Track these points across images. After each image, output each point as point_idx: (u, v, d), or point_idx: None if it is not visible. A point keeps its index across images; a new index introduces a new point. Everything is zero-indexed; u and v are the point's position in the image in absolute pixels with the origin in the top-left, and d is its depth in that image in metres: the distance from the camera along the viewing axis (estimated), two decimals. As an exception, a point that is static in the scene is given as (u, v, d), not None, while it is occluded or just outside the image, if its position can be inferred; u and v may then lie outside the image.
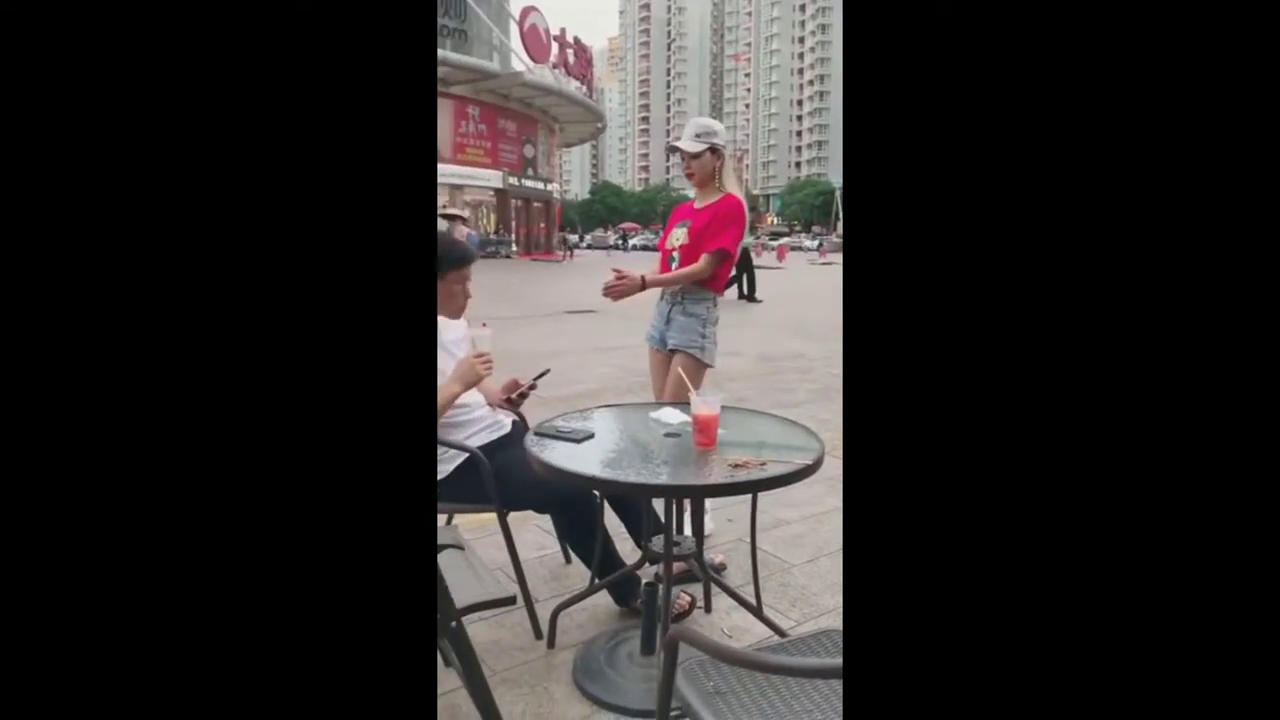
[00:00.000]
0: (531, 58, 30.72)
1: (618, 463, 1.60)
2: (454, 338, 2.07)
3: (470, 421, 2.04)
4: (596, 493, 1.97)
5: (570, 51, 34.40)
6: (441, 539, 1.34)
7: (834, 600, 2.20)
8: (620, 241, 45.85)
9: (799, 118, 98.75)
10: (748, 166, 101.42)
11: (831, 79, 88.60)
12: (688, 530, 2.07)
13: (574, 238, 38.28)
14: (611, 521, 2.09)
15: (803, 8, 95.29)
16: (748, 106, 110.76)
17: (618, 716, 1.65)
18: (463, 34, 28.09)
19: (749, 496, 2.01)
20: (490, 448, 2.01)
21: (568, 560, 2.37)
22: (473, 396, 2.05)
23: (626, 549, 2.13)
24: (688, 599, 2.08)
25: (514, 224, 31.86)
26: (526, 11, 31.07)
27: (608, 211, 69.02)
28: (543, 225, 35.47)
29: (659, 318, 2.53)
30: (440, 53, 25.35)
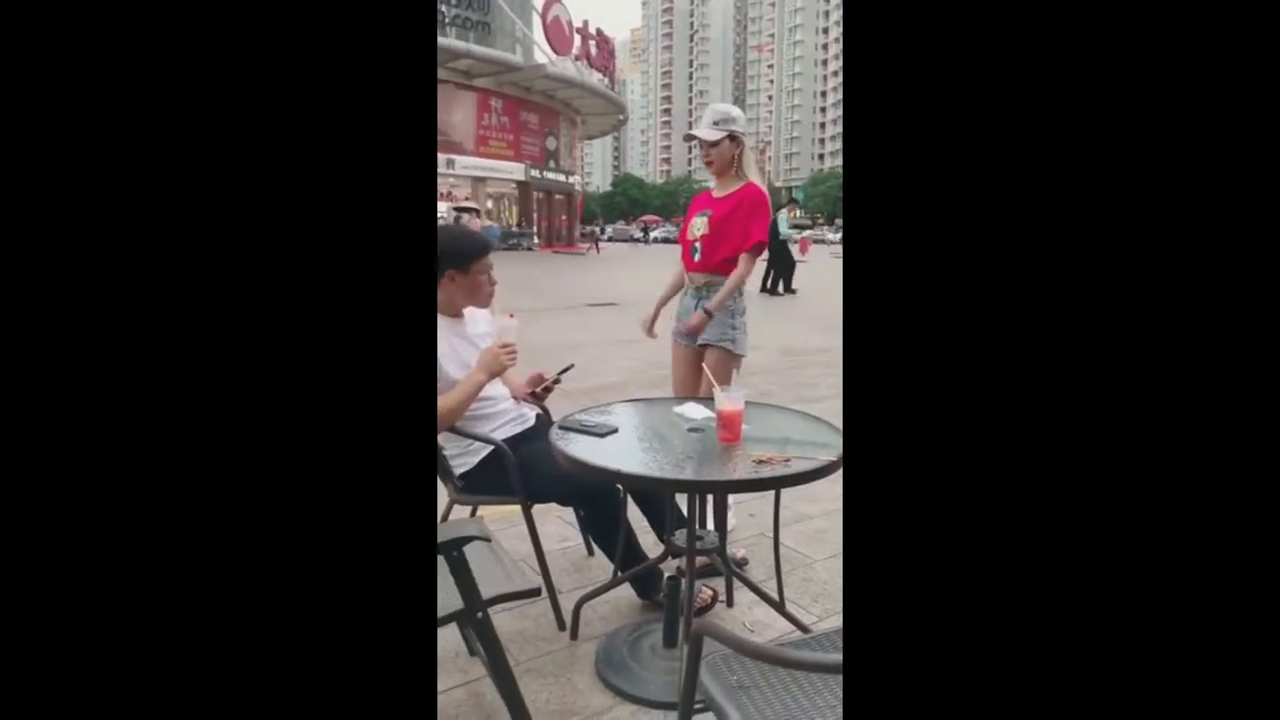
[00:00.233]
0: (554, 50, 30.72)
1: (641, 457, 1.61)
2: (481, 331, 2.09)
3: (495, 414, 2.06)
4: (620, 487, 1.98)
5: (593, 43, 34.36)
6: (468, 531, 1.35)
7: (856, 596, 2.20)
8: (642, 234, 45.74)
9: (822, 109, 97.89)
10: (770, 159, 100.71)
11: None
12: (710, 525, 2.07)
13: (596, 229, 38.25)
14: (634, 514, 2.10)
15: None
16: (770, 98, 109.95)
17: (640, 708, 1.67)
18: (486, 26, 28.13)
19: (771, 492, 2.02)
20: (515, 440, 2.03)
21: (590, 552, 2.39)
22: (498, 389, 2.07)
23: (649, 541, 2.15)
24: (710, 593, 2.09)
25: (535, 216, 31.94)
26: (549, 4, 31.05)
27: (629, 204, 68.90)
28: (564, 218, 35.53)
29: (684, 314, 2.52)
30: (463, 45, 25.44)
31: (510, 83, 28.75)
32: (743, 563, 2.34)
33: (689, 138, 2.48)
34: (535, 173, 31.20)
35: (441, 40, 24.92)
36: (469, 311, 2.09)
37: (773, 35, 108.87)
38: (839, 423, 1.77)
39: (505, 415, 2.09)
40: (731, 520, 2.59)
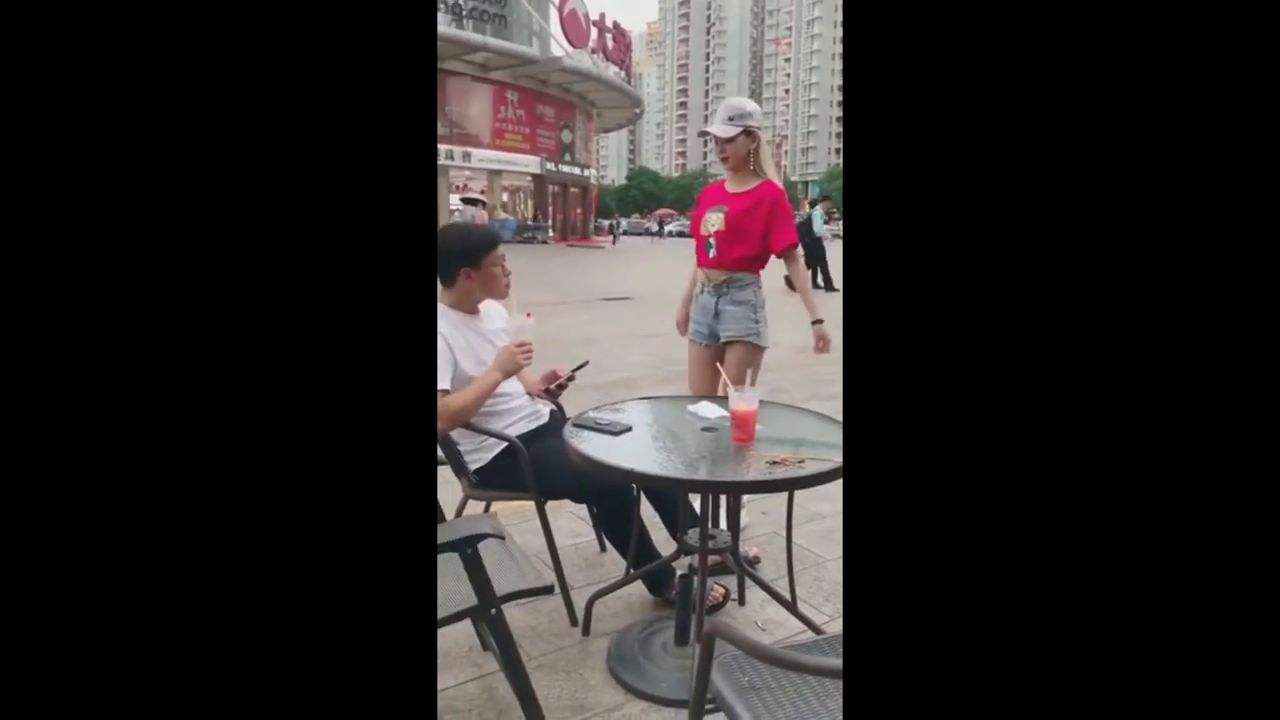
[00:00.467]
0: (570, 43, 30.65)
1: (655, 456, 1.61)
2: (496, 327, 2.10)
3: (509, 411, 2.08)
4: (633, 485, 1.99)
5: (609, 36, 34.24)
6: (482, 529, 1.36)
7: (868, 596, 2.20)
8: (657, 228, 45.57)
9: (840, 104, 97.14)
10: (786, 153, 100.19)
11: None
12: (723, 524, 2.08)
13: (615, 223, 38.16)
14: (647, 510, 2.11)
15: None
16: (787, 92, 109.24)
17: (651, 705, 1.68)
18: (502, 19, 28.10)
19: (785, 491, 2.02)
20: (528, 437, 2.04)
21: (603, 548, 2.40)
22: (512, 386, 2.08)
23: (661, 538, 2.15)
24: (722, 591, 2.09)
25: (551, 210, 31.95)
26: (566, -4, 31.01)
27: (644, 197, 68.76)
28: (579, 211, 35.50)
29: (702, 312, 2.50)
30: (480, 38, 25.42)
31: (526, 76, 28.73)
32: (755, 561, 2.34)
33: (704, 134, 2.48)
34: (551, 166, 31.18)
35: (458, 33, 24.95)
36: (484, 307, 2.10)
37: (790, 29, 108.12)
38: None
39: (520, 412, 2.10)
40: (746, 518, 2.59)
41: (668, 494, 2.11)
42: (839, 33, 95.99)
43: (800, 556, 2.38)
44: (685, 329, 2.64)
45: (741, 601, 2.14)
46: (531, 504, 1.98)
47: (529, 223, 28.56)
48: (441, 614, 1.35)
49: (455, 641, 1.87)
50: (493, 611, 1.39)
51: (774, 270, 2.59)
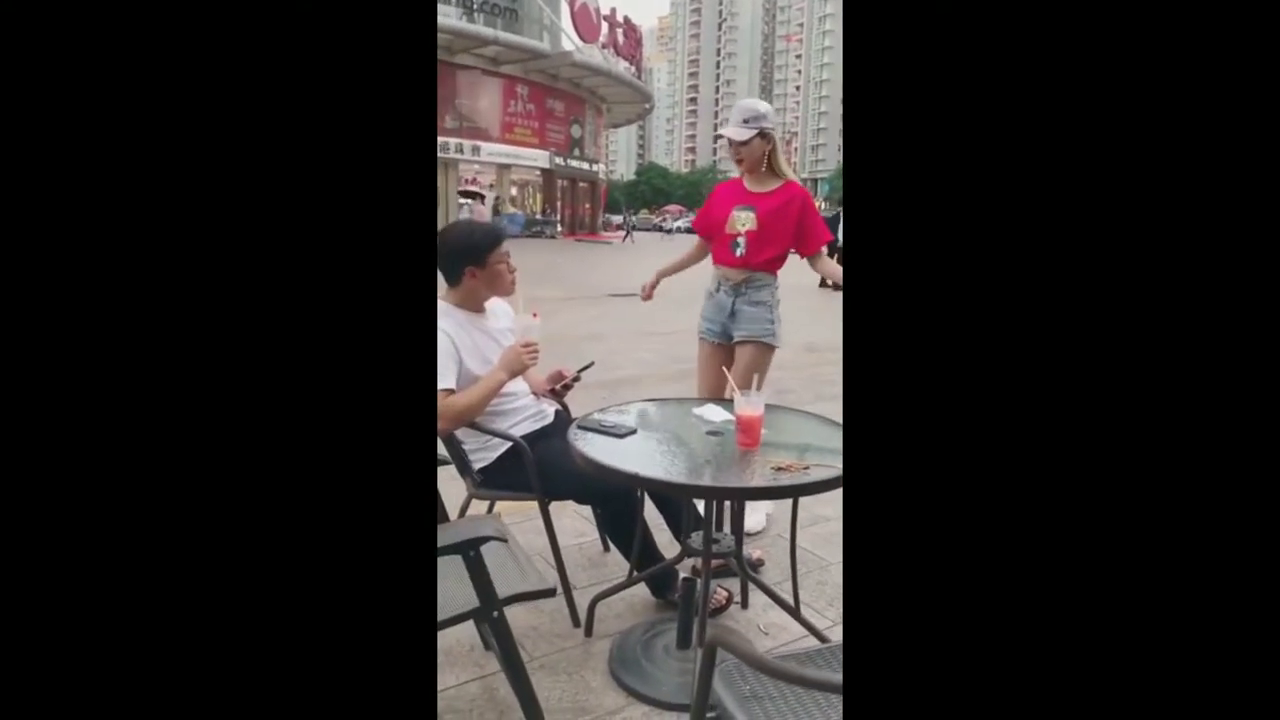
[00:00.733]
0: (581, 38, 30.59)
1: (659, 460, 1.61)
2: (502, 326, 2.09)
3: (514, 410, 2.07)
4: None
5: (620, 31, 34.18)
6: (485, 531, 1.36)
7: (872, 601, 2.19)
8: (662, 223, 45.40)
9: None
10: (796, 150, 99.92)
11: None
12: (727, 527, 2.07)
13: (623, 218, 38.03)
14: (650, 511, 2.11)
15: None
16: (798, 89, 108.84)
17: (652, 709, 1.68)
18: (513, 13, 28.06)
19: (789, 498, 2.01)
20: (533, 437, 2.03)
21: (606, 548, 2.39)
22: (517, 385, 2.08)
23: (664, 539, 2.15)
24: (725, 594, 2.09)
25: (559, 204, 31.94)
26: (578, -10, 30.95)
27: (653, 193, 68.64)
28: (588, 206, 35.49)
29: (717, 310, 2.49)
30: (491, 32, 25.41)
31: (537, 70, 28.71)
32: (758, 564, 2.34)
33: (719, 138, 2.49)
34: (560, 160, 31.16)
35: (469, 26, 24.95)
36: (490, 305, 2.09)
37: (801, 25, 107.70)
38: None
39: (524, 411, 2.10)
40: (760, 522, 2.59)
41: (672, 497, 2.10)
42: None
43: (804, 559, 2.37)
44: (649, 294, 2.71)
45: (744, 605, 2.13)
46: (535, 503, 1.98)
47: (538, 217, 28.57)
48: (443, 615, 1.35)
49: (457, 640, 1.87)
50: (495, 614, 1.39)
51: (789, 270, 2.59)
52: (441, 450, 2.01)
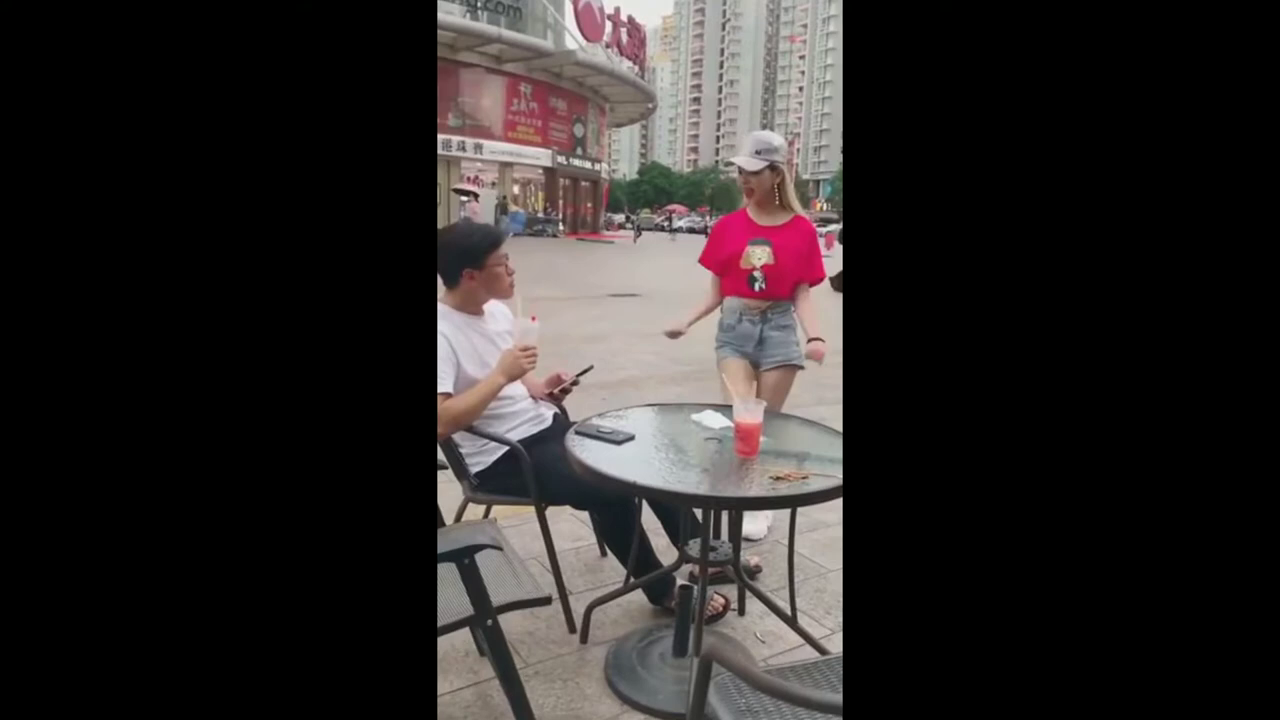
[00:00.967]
0: (585, 36, 30.59)
1: (657, 468, 1.59)
2: (501, 329, 2.08)
3: (512, 414, 2.06)
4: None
5: (624, 30, 34.15)
6: (479, 539, 1.35)
7: (870, 609, 2.17)
8: (666, 223, 45.30)
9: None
10: (799, 151, 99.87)
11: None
12: (724, 534, 2.06)
13: (622, 217, 38.00)
14: (648, 517, 2.09)
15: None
16: (801, 89, 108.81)
17: (647, 718, 1.66)
18: (517, 12, 28.05)
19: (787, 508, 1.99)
20: (531, 441, 2.02)
21: (603, 554, 2.38)
22: (515, 389, 2.06)
23: (661, 544, 2.14)
24: (721, 601, 2.07)
25: (561, 203, 31.93)
26: (581, -11, 30.92)
27: (655, 192, 68.61)
28: (590, 205, 35.48)
29: (744, 340, 2.49)
30: (494, 30, 25.39)
31: (540, 68, 28.68)
32: (756, 571, 2.32)
33: (729, 164, 2.51)
34: (562, 159, 31.14)
35: (472, 24, 24.93)
36: (489, 308, 2.08)
37: (805, 25, 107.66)
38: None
39: (522, 415, 2.09)
40: (761, 530, 2.58)
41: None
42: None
43: (802, 566, 2.36)
44: (675, 334, 2.59)
45: (741, 612, 2.12)
46: (532, 507, 1.96)
47: (539, 216, 28.55)
48: (439, 622, 1.34)
49: (452, 646, 1.86)
50: (489, 622, 1.38)
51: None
52: (438, 454, 2.00)
